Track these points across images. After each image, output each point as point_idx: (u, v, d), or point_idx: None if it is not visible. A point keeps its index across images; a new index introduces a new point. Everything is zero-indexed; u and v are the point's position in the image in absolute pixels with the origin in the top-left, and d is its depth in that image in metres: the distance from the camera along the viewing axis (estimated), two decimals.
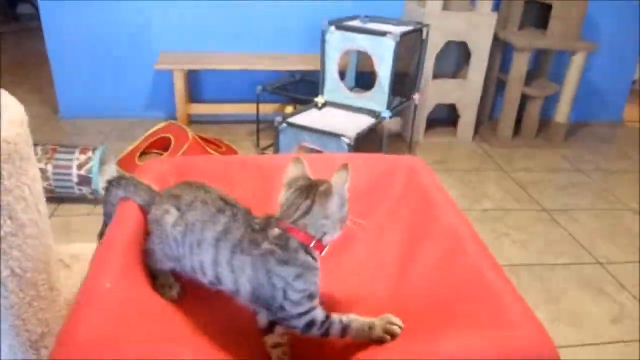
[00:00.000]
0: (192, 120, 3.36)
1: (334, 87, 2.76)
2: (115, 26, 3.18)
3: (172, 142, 2.81)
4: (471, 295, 0.86)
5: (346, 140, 2.37)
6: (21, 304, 0.88)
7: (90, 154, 2.34)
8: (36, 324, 0.92)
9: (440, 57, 3.15)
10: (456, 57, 3.40)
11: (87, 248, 1.34)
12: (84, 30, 3.16)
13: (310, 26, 3.33)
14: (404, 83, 2.90)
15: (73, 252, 1.32)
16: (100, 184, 2.35)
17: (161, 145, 2.89)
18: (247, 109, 3.31)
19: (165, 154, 2.80)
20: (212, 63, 3.14)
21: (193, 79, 3.37)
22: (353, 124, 2.54)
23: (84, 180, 2.31)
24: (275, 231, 0.91)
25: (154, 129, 2.93)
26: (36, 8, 6.03)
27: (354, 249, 1.15)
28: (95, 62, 3.25)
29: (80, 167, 2.31)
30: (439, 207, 1.07)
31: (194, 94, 3.41)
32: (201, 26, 3.25)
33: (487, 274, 0.87)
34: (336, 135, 2.39)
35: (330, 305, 0.96)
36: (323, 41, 2.68)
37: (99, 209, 2.39)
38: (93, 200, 2.38)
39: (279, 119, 2.53)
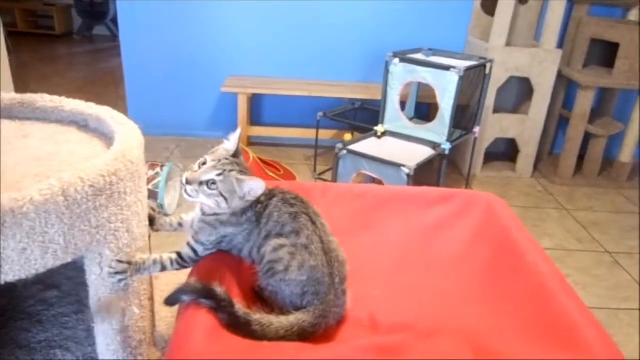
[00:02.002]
0: (251, 142, 3.46)
1: (394, 117, 2.79)
2: (187, 50, 3.33)
3: None
4: (559, 336, 0.86)
5: (406, 170, 2.38)
6: (125, 311, 0.94)
7: (158, 169, 2.45)
8: (137, 331, 0.98)
9: (500, 91, 3.14)
10: (517, 92, 3.37)
11: None
12: (159, 52, 3.33)
13: (372, 56, 3.39)
14: (464, 116, 2.90)
15: None
16: (165, 199, 2.44)
17: None
18: (305, 134, 3.38)
19: None
20: (276, 89, 3.24)
21: (255, 102, 3.48)
22: (412, 155, 2.55)
23: (151, 195, 2.41)
24: None
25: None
26: (110, 30, 6.39)
27: (432, 278, 1.16)
28: (165, 83, 3.41)
29: (148, 181, 2.41)
30: (522, 245, 1.07)
31: (254, 116, 3.51)
32: (267, 53, 3.37)
33: (575, 316, 0.87)
34: (396, 165, 2.40)
35: (411, 333, 0.98)
36: (386, 72, 2.72)
37: None
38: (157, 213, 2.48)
39: (339, 145, 2.57)
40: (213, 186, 1.06)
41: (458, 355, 0.88)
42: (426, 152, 2.63)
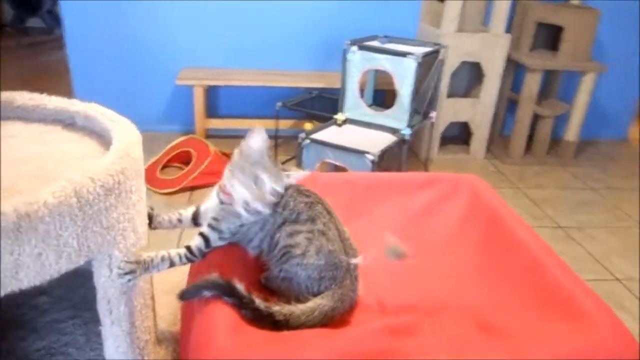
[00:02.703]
0: (209, 135, 3.40)
1: (354, 105, 2.82)
2: (137, 42, 3.23)
3: (194, 156, 2.86)
4: (559, 307, 0.91)
5: (370, 157, 2.41)
6: (134, 311, 0.92)
7: None
8: (144, 331, 0.97)
9: (452, 76, 3.23)
10: (468, 77, 3.47)
11: None
12: (107, 44, 3.22)
13: (326, 45, 3.40)
14: (421, 101, 2.96)
15: None
16: None
17: (182, 159, 2.94)
18: (264, 124, 3.35)
19: (187, 168, 2.84)
20: (232, 80, 3.20)
21: (211, 94, 3.42)
22: (374, 141, 2.59)
23: None
24: None
25: (175, 142, 2.97)
26: (46, 22, 6.09)
27: (428, 260, 1.20)
28: (116, 77, 3.30)
29: None
30: (510, 223, 1.13)
31: (210, 108, 3.45)
32: (221, 44, 3.31)
33: (571, 287, 0.92)
34: (360, 152, 2.44)
35: (418, 313, 1.01)
36: (345, 60, 2.74)
37: None
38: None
39: (302, 135, 2.58)
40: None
41: (464, 331, 0.92)
42: (388, 138, 2.67)
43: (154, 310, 1.06)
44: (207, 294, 0.96)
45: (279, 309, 0.99)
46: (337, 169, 2.63)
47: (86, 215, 0.76)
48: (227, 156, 2.97)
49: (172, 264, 1.05)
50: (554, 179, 3.28)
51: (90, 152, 0.96)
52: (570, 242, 2.54)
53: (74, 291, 1.01)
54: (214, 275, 0.97)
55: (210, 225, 1.12)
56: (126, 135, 0.94)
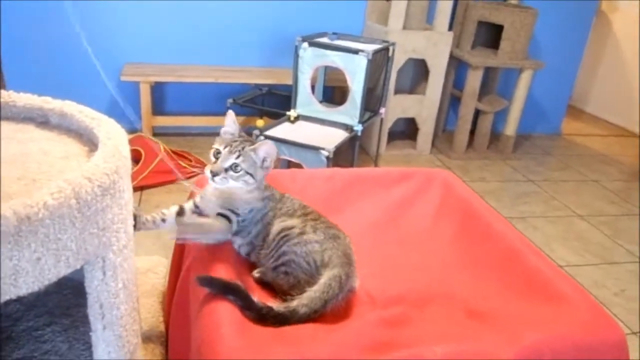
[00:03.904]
0: (155, 133, 3.31)
1: (306, 101, 2.83)
2: (75, 36, 3.09)
3: (143, 155, 2.78)
4: (539, 292, 0.96)
5: (325, 153, 2.44)
6: (124, 315, 0.89)
7: None
8: (133, 335, 0.93)
9: (398, 72, 3.30)
10: (412, 74, 3.56)
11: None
12: (42, 38, 3.06)
13: (274, 41, 3.39)
14: (371, 98, 3.01)
15: None
16: None
17: (131, 158, 2.84)
18: (211, 121, 3.31)
19: (136, 167, 2.76)
20: (182, 76, 3.13)
21: (157, 90, 3.33)
22: (328, 137, 2.62)
23: None
24: None
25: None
26: None
27: (409, 252, 1.23)
28: (53, 73, 3.15)
29: None
30: (485, 215, 1.17)
31: (156, 106, 3.36)
32: (166, 39, 3.23)
33: (547, 272, 0.97)
34: (315, 149, 2.45)
35: (407, 304, 1.03)
36: (296, 56, 2.74)
37: None
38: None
39: (256, 132, 2.57)
40: (237, 168, 1.13)
41: (453, 318, 0.95)
42: (340, 134, 2.70)
43: (138, 312, 1.03)
44: (231, 298, 0.94)
45: (296, 303, 0.99)
46: (290, 165, 2.64)
47: (84, 216, 0.73)
48: (177, 154, 2.91)
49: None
50: (495, 172, 3.42)
51: (72, 151, 0.92)
52: None
53: (48, 297, 0.97)
54: (240, 285, 0.96)
55: (223, 207, 1.15)
56: (113, 132, 0.91)
